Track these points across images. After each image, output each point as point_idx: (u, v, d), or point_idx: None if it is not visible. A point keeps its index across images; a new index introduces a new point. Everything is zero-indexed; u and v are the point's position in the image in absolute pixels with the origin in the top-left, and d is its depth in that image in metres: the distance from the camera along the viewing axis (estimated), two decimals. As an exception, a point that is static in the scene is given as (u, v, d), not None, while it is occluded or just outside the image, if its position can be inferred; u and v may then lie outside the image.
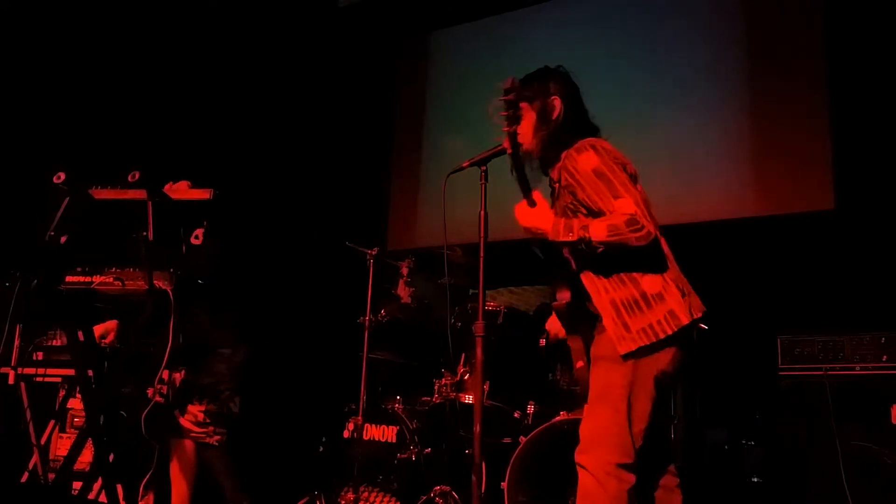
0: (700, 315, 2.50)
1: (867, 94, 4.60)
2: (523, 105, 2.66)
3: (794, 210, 4.79)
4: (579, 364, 2.60)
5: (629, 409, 2.42)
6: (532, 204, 2.52)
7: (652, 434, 2.47)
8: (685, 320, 2.45)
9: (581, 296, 2.61)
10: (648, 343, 2.43)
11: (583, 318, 2.61)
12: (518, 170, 2.55)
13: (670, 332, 2.44)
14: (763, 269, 4.71)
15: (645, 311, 2.45)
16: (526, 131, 2.66)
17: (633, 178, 2.55)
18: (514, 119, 2.50)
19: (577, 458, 2.45)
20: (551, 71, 2.73)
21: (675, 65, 5.36)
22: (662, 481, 2.62)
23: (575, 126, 2.66)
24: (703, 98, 5.23)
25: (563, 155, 2.61)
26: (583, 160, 2.51)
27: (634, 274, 2.49)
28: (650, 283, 2.49)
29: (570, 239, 2.43)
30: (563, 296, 2.61)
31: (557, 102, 2.66)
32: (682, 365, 2.50)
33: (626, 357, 2.44)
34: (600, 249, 2.43)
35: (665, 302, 2.46)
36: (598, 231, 2.40)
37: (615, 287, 2.50)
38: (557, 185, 2.65)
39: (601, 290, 2.52)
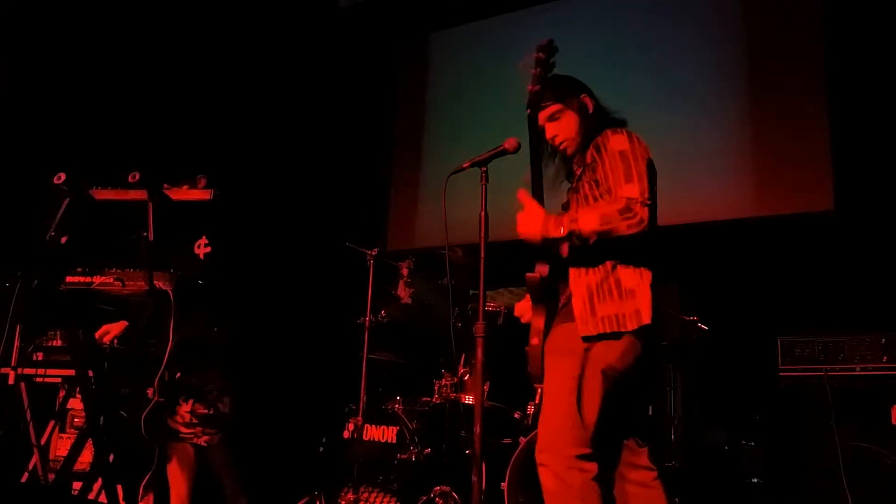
0: (651, 322, 2.48)
1: (866, 96, 4.60)
2: (558, 106, 2.73)
3: (793, 211, 4.79)
4: (534, 341, 2.60)
5: (579, 400, 2.43)
6: (528, 199, 2.54)
7: (611, 428, 2.47)
8: (647, 321, 2.47)
9: (555, 275, 2.62)
10: (608, 332, 2.45)
11: (550, 298, 2.63)
12: (533, 145, 2.60)
13: (631, 329, 2.46)
14: (763, 269, 4.71)
15: (615, 301, 2.49)
16: (567, 131, 2.72)
17: (653, 175, 2.57)
18: (542, 79, 2.57)
19: (538, 457, 2.46)
20: (568, 76, 2.78)
21: (675, 66, 5.36)
22: (638, 478, 2.60)
23: (605, 119, 2.72)
24: (702, 99, 5.24)
25: (594, 140, 2.66)
26: (615, 140, 2.57)
27: (618, 263, 2.53)
28: (627, 276, 2.52)
29: (558, 235, 2.45)
30: (542, 269, 2.61)
31: (588, 99, 2.73)
32: (636, 366, 2.50)
33: (585, 340, 2.46)
34: (594, 240, 2.44)
35: (634, 299, 2.49)
36: (588, 221, 2.42)
37: (595, 272, 2.53)
38: (580, 171, 2.68)
39: (581, 273, 2.55)
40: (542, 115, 2.75)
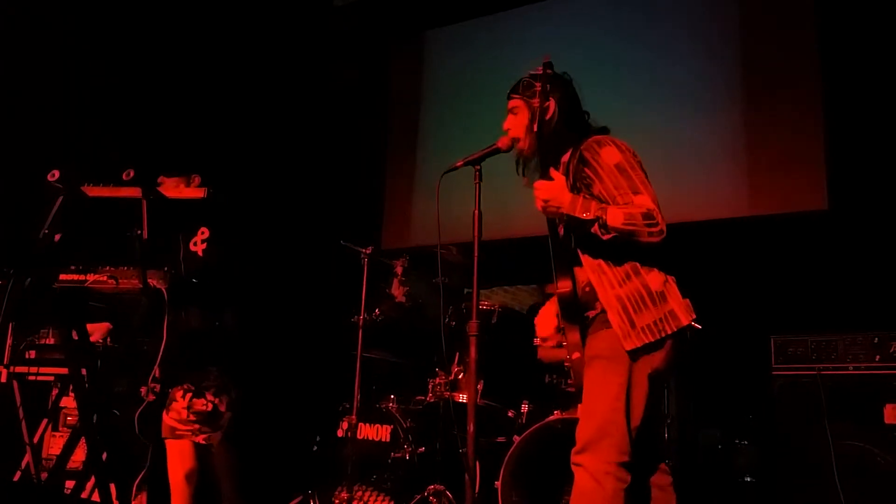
0: (694, 317, 2.53)
1: (860, 95, 4.62)
2: (520, 103, 2.69)
3: (787, 210, 4.80)
4: (575, 356, 2.58)
5: (627, 407, 2.43)
6: (549, 179, 2.53)
7: (644, 432, 2.48)
8: (685, 321, 2.49)
9: (578, 287, 2.60)
10: (651, 341, 2.45)
11: (580, 310, 2.61)
12: (540, 147, 2.58)
13: (670, 332, 2.47)
14: (756, 268, 4.71)
15: (650, 308, 2.48)
16: (519, 129, 2.69)
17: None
18: (544, 95, 2.57)
19: (575, 458, 2.45)
20: (554, 74, 2.71)
21: (670, 65, 5.37)
22: (656, 480, 2.62)
23: (574, 127, 2.67)
24: (696, 98, 5.24)
25: (569, 151, 2.63)
26: (605, 153, 2.53)
27: (641, 269, 2.51)
28: (654, 280, 2.51)
29: (586, 217, 2.43)
30: (565, 284, 2.58)
31: (553, 105, 2.65)
32: (674, 363, 2.53)
33: (630, 353, 2.45)
34: (610, 236, 2.43)
35: (666, 301, 2.50)
36: (615, 216, 2.40)
37: (621, 282, 2.51)
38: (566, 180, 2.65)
39: (607, 285, 2.52)
40: (508, 104, 2.75)
